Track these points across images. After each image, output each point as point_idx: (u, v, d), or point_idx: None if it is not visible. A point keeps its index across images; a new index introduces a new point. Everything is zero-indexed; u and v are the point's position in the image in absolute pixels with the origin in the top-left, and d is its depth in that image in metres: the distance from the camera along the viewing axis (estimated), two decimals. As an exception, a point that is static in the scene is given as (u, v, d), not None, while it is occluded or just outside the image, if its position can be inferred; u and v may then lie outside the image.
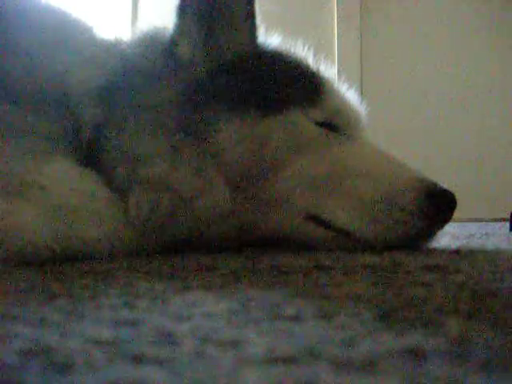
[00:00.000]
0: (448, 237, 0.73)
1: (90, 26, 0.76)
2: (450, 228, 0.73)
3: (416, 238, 0.70)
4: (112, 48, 0.74)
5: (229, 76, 0.72)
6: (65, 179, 0.61)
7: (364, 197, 0.70)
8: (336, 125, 0.76)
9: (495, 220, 2.26)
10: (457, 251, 0.72)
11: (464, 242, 0.92)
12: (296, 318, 0.31)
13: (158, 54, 0.73)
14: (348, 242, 0.69)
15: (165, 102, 0.69)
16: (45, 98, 0.65)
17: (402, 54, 2.92)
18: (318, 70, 0.80)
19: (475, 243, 0.91)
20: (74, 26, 0.75)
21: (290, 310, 0.33)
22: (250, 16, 0.76)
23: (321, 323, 0.30)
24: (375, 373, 0.22)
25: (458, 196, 0.72)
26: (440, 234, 0.73)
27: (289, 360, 0.23)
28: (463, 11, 2.92)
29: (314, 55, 0.81)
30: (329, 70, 0.82)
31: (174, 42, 0.73)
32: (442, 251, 0.71)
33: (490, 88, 2.87)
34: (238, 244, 0.71)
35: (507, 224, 1.38)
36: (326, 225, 0.70)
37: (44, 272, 0.50)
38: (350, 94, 0.81)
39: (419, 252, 0.68)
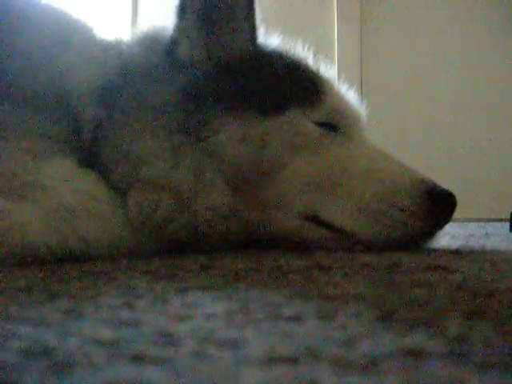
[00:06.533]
0: (448, 237, 0.73)
1: (90, 27, 0.76)
2: (450, 228, 0.73)
3: (416, 238, 0.70)
4: (112, 48, 0.74)
5: (229, 76, 0.72)
6: (65, 179, 0.61)
7: (364, 197, 0.70)
8: (336, 125, 0.76)
9: (495, 220, 2.26)
10: (457, 251, 0.72)
11: (464, 242, 0.92)
12: (296, 318, 0.31)
13: (157, 54, 0.73)
14: (348, 242, 0.69)
15: (165, 102, 0.69)
16: (45, 99, 0.65)
17: (402, 54, 2.92)
18: (318, 70, 0.80)
19: (475, 243, 0.91)
20: (74, 26, 0.75)
21: (289, 310, 0.33)
22: (250, 16, 0.76)
23: (321, 323, 0.30)
24: (375, 373, 0.22)
25: (457, 196, 0.72)
26: (440, 234, 0.73)
27: (289, 360, 0.23)
28: (464, 11, 2.92)
29: (314, 55, 0.81)
30: (329, 70, 0.82)
31: (173, 42, 0.73)
32: (442, 251, 0.71)
33: (491, 88, 2.87)
34: (238, 244, 0.70)
35: (507, 224, 1.38)
36: (325, 225, 0.70)
37: (44, 272, 0.50)
38: (349, 94, 0.81)
39: (419, 252, 0.68)
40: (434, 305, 0.35)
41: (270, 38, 0.79)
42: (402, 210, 0.69)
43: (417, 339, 0.26)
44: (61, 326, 0.29)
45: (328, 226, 0.70)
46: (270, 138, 0.70)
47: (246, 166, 0.68)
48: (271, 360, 0.23)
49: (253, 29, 0.76)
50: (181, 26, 0.73)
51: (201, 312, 0.33)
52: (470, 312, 0.33)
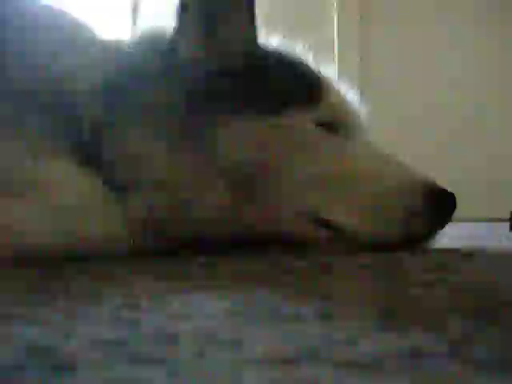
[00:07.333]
0: (448, 237, 0.73)
1: (91, 27, 0.76)
2: (449, 228, 0.73)
3: (416, 238, 0.70)
4: (112, 48, 0.74)
5: (229, 76, 0.72)
6: (65, 179, 0.61)
7: (364, 197, 0.70)
8: (336, 125, 0.76)
9: (495, 220, 2.26)
10: (457, 251, 0.72)
11: (464, 242, 0.92)
12: (296, 318, 0.31)
13: (158, 54, 0.73)
14: (348, 241, 0.69)
15: (165, 102, 0.69)
16: (45, 98, 0.65)
17: (402, 54, 2.92)
18: (318, 70, 0.80)
19: (475, 243, 0.91)
20: (75, 26, 0.75)
21: (289, 310, 0.33)
22: (250, 16, 0.76)
23: (321, 323, 0.30)
24: (375, 373, 0.22)
25: (457, 196, 0.72)
26: (440, 234, 0.73)
27: (289, 360, 0.23)
28: (464, 11, 2.92)
29: (314, 55, 0.81)
30: (329, 70, 0.82)
31: (173, 42, 0.73)
32: (442, 251, 0.71)
33: (490, 88, 2.87)
34: (238, 244, 0.70)
35: (507, 224, 1.38)
36: (326, 225, 0.70)
37: (44, 272, 0.50)
38: (349, 95, 0.81)
39: (419, 252, 0.68)
40: (433, 305, 0.35)
41: (270, 38, 0.79)
42: (402, 210, 0.69)
43: (417, 339, 0.26)
44: (61, 325, 0.29)
45: (328, 225, 0.70)
46: (269, 138, 0.70)
47: (245, 166, 0.68)
48: (271, 360, 0.23)
49: (253, 29, 0.76)
50: (181, 27, 0.73)
51: (201, 312, 0.33)
52: (470, 312, 0.33)
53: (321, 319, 0.31)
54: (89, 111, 0.67)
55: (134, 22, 2.75)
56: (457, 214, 0.73)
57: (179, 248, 0.67)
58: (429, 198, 0.70)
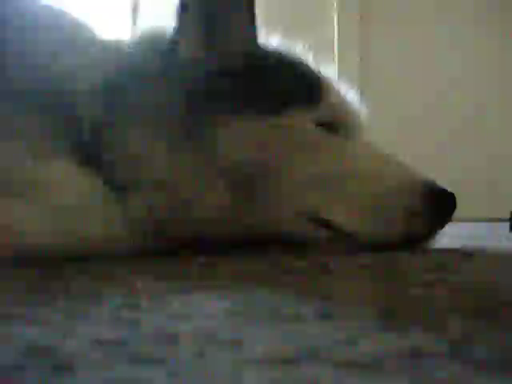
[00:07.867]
0: (448, 237, 0.73)
1: (91, 27, 0.76)
2: (449, 228, 0.73)
3: (416, 238, 0.71)
4: (112, 48, 0.74)
5: (229, 76, 0.72)
6: (65, 179, 0.61)
7: (363, 197, 0.70)
8: (335, 125, 0.76)
9: (495, 220, 2.26)
10: (457, 251, 0.72)
11: (464, 241, 0.92)
12: (296, 318, 0.31)
13: (158, 54, 0.73)
14: (348, 241, 0.69)
15: (165, 102, 0.69)
16: (45, 98, 0.65)
17: (402, 54, 2.92)
18: (318, 70, 0.80)
19: (475, 243, 0.91)
20: (75, 26, 0.75)
21: (289, 310, 0.33)
22: (250, 16, 0.76)
23: (321, 323, 0.30)
24: (375, 373, 0.22)
25: (457, 196, 0.72)
26: (440, 234, 0.73)
27: (289, 360, 0.23)
28: (464, 11, 2.92)
29: (314, 55, 0.81)
30: (329, 70, 0.82)
31: (173, 42, 0.73)
32: (442, 251, 0.71)
33: (490, 88, 2.87)
34: (238, 244, 0.70)
35: (507, 224, 1.38)
36: (326, 225, 0.70)
37: (44, 272, 0.50)
38: (349, 95, 0.81)
39: (419, 252, 0.68)
40: (433, 305, 0.35)
41: (270, 38, 0.79)
42: (402, 210, 0.69)
43: (417, 339, 0.26)
44: (61, 325, 0.29)
45: (328, 225, 0.70)
46: (269, 138, 0.70)
47: (245, 166, 0.68)
48: (271, 360, 0.23)
49: (253, 29, 0.76)
50: (181, 27, 0.73)
51: (201, 312, 0.33)
52: (470, 312, 0.33)
53: (321, 319, 0.31)
54: (89, 111, 0.67)
55: (134, 22, 2.75)
56: (457, 213, 0.73)
57: (179, 248, 0.67)
58: (429, 197, 0.70)
